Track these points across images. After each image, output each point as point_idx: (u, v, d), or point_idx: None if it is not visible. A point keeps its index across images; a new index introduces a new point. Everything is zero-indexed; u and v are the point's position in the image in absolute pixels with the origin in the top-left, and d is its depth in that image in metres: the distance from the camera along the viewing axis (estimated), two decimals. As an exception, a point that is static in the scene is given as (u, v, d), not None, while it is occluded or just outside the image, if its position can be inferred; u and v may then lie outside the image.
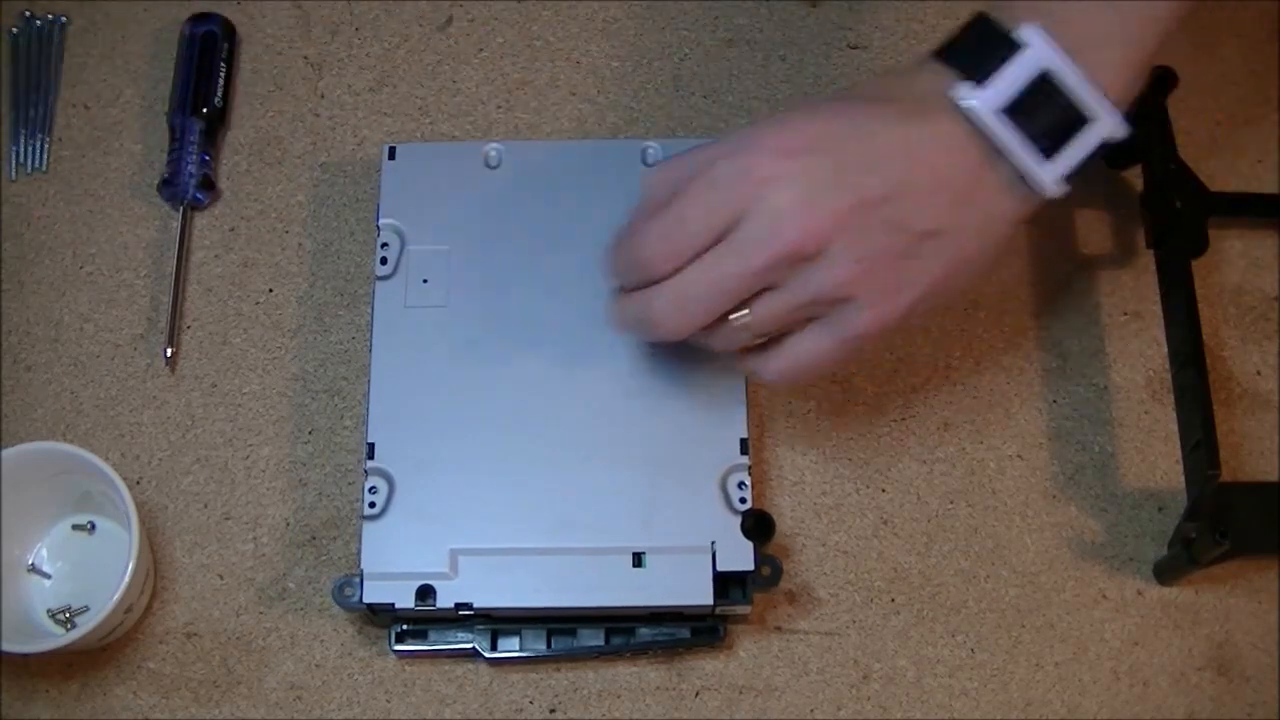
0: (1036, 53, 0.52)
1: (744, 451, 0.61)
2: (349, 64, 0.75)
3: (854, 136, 0.52)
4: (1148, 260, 0.70)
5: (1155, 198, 0.68)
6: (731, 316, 0.54)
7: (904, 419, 0.67)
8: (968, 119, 0.52)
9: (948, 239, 0.53)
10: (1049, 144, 0.52)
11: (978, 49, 0.53)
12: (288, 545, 0.65)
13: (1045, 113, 0.52)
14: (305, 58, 0.75)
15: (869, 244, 0.52)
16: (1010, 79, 0.52)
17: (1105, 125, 0.52)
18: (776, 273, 0.52)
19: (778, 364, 0.56)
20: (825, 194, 0.51)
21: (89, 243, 0.71)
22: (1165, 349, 0.68)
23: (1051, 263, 0.70)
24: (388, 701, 0.62)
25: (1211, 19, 0.76)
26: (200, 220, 0.71)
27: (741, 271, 0.52)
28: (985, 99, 0.52)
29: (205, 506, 0.65)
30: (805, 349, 0.55)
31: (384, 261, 0.65)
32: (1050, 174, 0.53)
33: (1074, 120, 0.52)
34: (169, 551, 0.64)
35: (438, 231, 0.65)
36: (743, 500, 0.60)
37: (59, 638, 0.58)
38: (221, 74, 0.72)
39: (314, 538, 0.65)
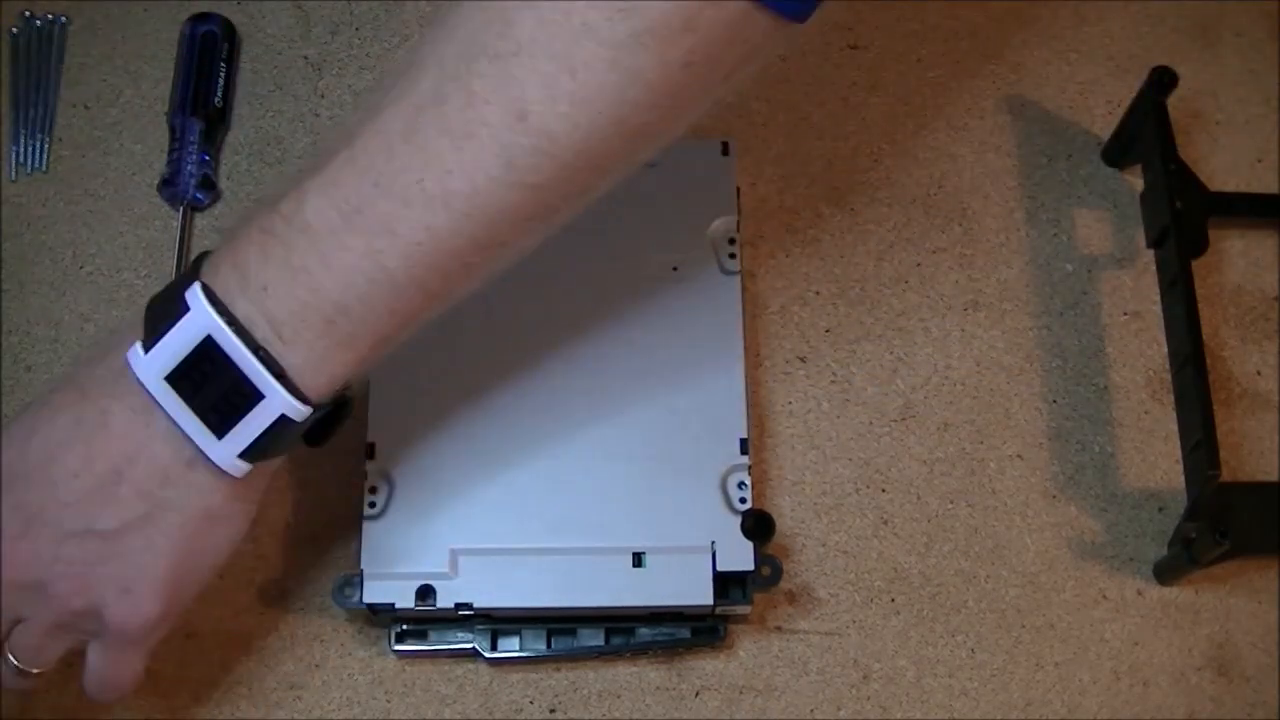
0: (197, 317, 0.47)
1: (744, 451, 0.61)
2: (349, 64, 0.75)
3: (29, 449, 0.50)
4: (1148, 260, 0.70)
5: (1155, 198, 0.68)
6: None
7: (904, 419, 0.67)
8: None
9: (154, 523, 0.49)
10: (216, 419, 0.48)
11: (158, 309, 0.49)
12: (288, 545, 0.64)
13: (210, 385, 0.48)
14: (305, 58, 0.75)
15: (70, 557, 0.49)
16: (173, 344, 0.48)
17: (277, 403, 0.48)
18: (12, 607, 0.51)
19: (88, 686, 0.54)
20: (11, 525, 0.49)
21: (89, 243, 0.71)
22: (1165, 349, 0.68)
23: (1051, 263, 0.70)
24: (388, 701, 0.62)
25: (1211, 19, 0.76)
26: (200, 220, 0.71)
27: None
28: (148, 366, 0.48)
29: (205, 506, 0.65)
30: (95, 665, 0.53)
31: (384, 261, 0.65)
32: (224, 452, 0.49)
33: (242, 395, 0.48)
34: (169, 551, 0.64)
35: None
36: (743, 500, 0.60)
37: (58, 638, 0.58)
38: (221, 74, 0.72)
39: (314, 538, 0.65)
